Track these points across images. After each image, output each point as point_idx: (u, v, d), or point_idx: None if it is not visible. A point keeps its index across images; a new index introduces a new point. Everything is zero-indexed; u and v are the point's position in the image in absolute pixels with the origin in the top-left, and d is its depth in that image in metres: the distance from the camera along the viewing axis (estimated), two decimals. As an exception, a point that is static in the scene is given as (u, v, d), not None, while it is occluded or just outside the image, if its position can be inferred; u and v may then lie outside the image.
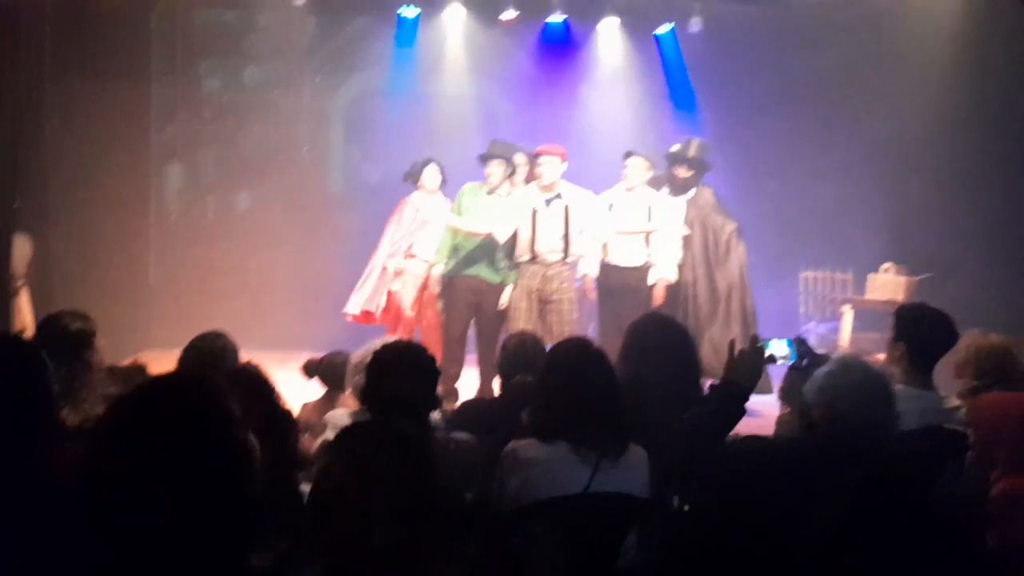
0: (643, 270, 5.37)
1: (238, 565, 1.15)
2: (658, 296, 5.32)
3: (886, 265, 6.39)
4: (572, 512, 2.14)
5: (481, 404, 3.55)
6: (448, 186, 5.58)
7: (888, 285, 6.28)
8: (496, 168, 5.22)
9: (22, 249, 5.19)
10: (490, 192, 5.25)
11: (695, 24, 6.94)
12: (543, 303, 5.11)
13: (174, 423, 1.16)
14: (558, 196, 5.12)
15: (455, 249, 5.28)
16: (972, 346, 3.25)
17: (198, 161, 7.57)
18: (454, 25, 7.11)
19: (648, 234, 5.34)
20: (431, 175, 5.51)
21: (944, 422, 2.89)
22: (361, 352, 2.89)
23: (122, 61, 6.69)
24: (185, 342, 3.16)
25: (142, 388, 1.24)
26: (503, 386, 3.18)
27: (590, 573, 2.14)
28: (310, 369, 3.68)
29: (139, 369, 2.99)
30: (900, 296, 5.97)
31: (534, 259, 5.12)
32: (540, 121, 7.29)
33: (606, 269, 5.43)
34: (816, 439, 2.02)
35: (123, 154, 6.70)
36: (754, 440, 2.36)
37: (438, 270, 5.36)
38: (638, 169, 5.32)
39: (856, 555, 1.14)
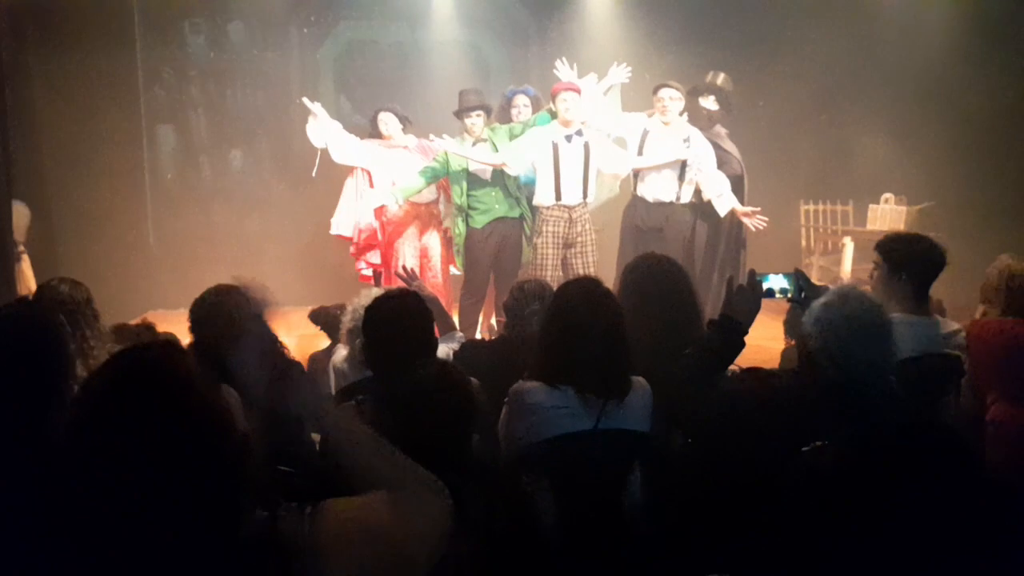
0: (672, 207, 5.31)
1: (228, 526, 1.15)
2: (754, 223, 5.23)
3: (886, 195, 6.37)
4: (578, 450, 2.18)
5: (483, 345, 3.57)
6: (440, 133, 5.51)
7: (889, 215, 6.27)
8: (476, 120, 5.17)
9: (20, 216, 5.19)
10: (475, 143, 5.19)
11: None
12: (567, 247, 5.06)
13: (136, 394, 1.15)
14: (579, 133, 5.04)
15: (469, 203, 5.22)
16: (1004, 272, 3.22)
17: (189, 121, 7.49)
18: (440, -30, 6.97)
19: (684, 168, 5.25)
20: (386, 123, 5.41)
21: (943, 348, 2.91)
22: (350, 308, 2.92)
23: (104, 23, 6.58)
24: (189, 301, 3.18)
25: (105, 363, 1.23)
26: (508, 326, 3.18)
27: (597, 508, 2.18)
28: (315, 317, 3.74)
29: (147, 327, 3.02)
30: (901, 226, 5.97)
31: (558, 200, 5.02)
32: (533, 64, 7.18)
33: (634, 202, 5.36)
34: (814, 370, 2.04)
35: (114, 118, 6.64)
36: (753, 373, 2.39)
37: (393, 203, 5.28)
38: (676, 100, 5.22)
39: (859, 481, 1.15)
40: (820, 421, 1.88)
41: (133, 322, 3.28)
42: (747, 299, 2.31)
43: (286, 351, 2.47)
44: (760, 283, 2.39)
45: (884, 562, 1.09)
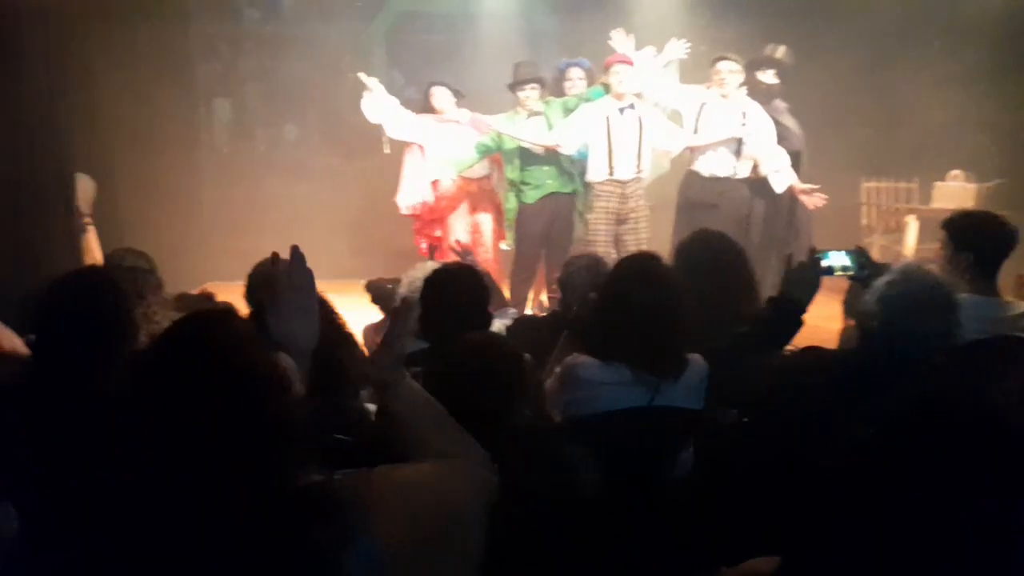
0: (727, 183, 5.20)
1: (279, 486, 1.18)
2: (812, 200, 5.10)
3: (954, 172, 6.13)
4: (631, 426, 2.16)
5: (536, 321, 3.57)
6: (492, 106, 5.48)
7: (956, 193, 6.04)
8: (531, 92, 5.12)
9: (85, 188, 5.33)
10: (529, 116, 5.15)
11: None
12: (619, 223, 5.01)
13: (195, 357, 1.19)
14: (631, 106, 4.97)
15: (522, 178, 5.19)
16: None
17: (244, 95, 7.61)
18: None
19: (740, 143, 5.14)
20: (440, 98, 5.36)
21: (1011, 329, 2.81)
22: (406, 280, 2.94)
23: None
24: (244, 273, 3.23)
25: (167, 328, 1.28)
26: (562, 301, 3.17)
27: (645, 484, 2.17)
28: (370, 289, 3.80)
29: (208, 296, 3.09)
30: (970, 204, 5.74)
31: (611, 175, 4.96)
32: (585, 35, 7.07)
33: (689, 177, 5.27)
34: (874, 350, 1.98)
35: (171, 91, 6.76)
36: (811, 352, 2.34)
37: (447, 178, 5.30)
38: (734, 73, 5.10)
39: (914, 463, 1.11)
40: (879, 401, 1.83)
41: (194, 292, 3.36)
42: (806, 276, 2.27)
43: (343, 323, 2.50)
44: (820, 260, 2.34)
45: (919, 542, 1.05)
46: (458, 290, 2.27)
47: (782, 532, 1.29)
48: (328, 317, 2.40)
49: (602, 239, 4.98)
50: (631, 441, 2.14)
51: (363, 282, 3.95)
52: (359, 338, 3.18)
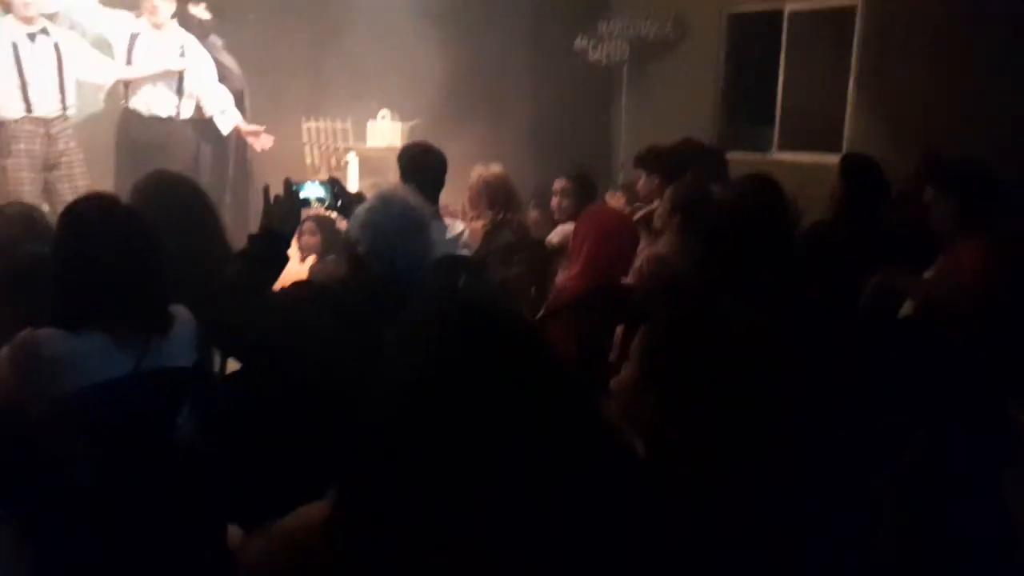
0: (172, 123, 4.86)
1: None
2: (259, 142, 5.14)
3: (383, 112, 6.75)
4: (118, 398, 1.87)
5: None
6: None
7: (386, 132, 6.68)
8: None
9: None
10: None
11: None
12: (48, 169, 4.31)
13: None
14: (43, 31, 4.21)
15: None
16: (480, 179, 3.69)
17: None
18: None
19: (181, 80, 4.81)
20: None
21: (452, 248, 3.26)
22: None
23: None
24: None
25: None
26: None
27: (144, 455, 1.92)
28: None
29: None
30: (398, 141, 6.39)
31: (29, 111, 4.19)
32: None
33: (128, 117, 4.79)
34: (366, 275, 2.07)
35: None
36: (305, 286, 2.34)
37: None
38: (166, 3, 4.74)
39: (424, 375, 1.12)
40: (374, 316, 1.92)
41: None
42: (286, 208, 2.24)
43: None
44: (297, 192, 2.33)
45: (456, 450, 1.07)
46: None
47: (329, 473, 1.22)
48: None
49: (28, 188, 4.22)
50: (123, 414, 1.86)
51: None
52: None
